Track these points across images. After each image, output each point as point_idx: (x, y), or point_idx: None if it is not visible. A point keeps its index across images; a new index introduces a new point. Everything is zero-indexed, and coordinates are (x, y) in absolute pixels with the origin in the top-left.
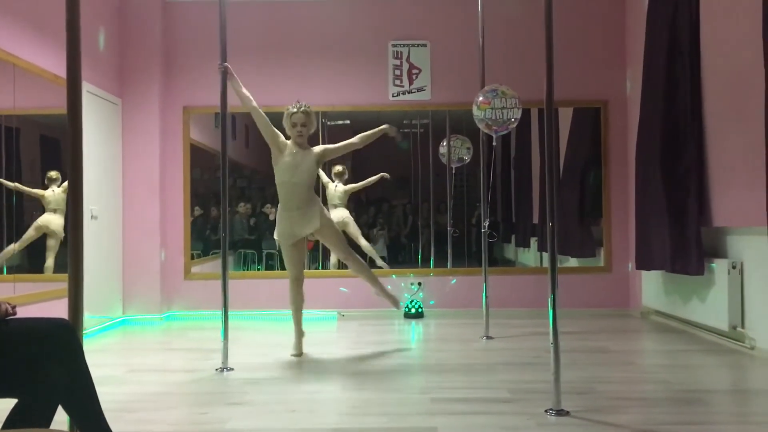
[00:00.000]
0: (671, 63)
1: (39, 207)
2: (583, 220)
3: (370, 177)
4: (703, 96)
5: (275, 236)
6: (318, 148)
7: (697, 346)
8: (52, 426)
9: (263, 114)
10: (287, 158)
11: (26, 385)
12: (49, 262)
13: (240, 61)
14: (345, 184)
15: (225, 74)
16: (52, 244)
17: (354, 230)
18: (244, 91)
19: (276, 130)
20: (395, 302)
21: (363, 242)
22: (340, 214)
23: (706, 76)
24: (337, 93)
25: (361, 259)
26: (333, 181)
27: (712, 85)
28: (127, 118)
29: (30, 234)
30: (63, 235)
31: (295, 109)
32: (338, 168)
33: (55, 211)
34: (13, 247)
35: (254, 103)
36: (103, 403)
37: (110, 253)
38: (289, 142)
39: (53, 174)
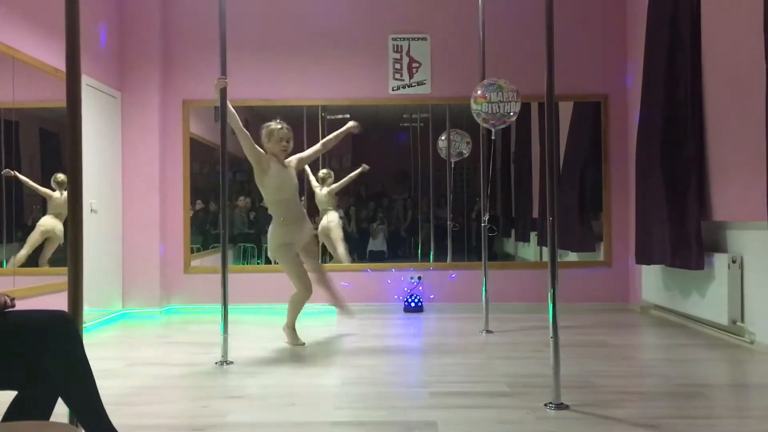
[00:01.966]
0: (672, 57)
1: (39, 201)
2: (583, 215)
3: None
4: (704, 90)
5: (272, 254)
6: (293, 160)
7: (696, 340)
8: (52, 418)
9: (248, 134)
10: (276, 177)
11: (26, 377)
12: (43, 260)
13: (239, 54)
14: (329, 186)
15: (225, 90)
16: (50, 248)
17: (336, 235)
18: (233, 108)
19: (260, 149)
20: (346, 310)
21: (340, 250)
22: (330, 218)
23: (707, 71)
24: (337, 87)
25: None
26: (319, 185)
27: (713, 80)
28: (127, 112)
29: (35, 239)
30: (63, 240)
31: (280, 126)
32: (323, 172)
33: (58, 215)
34: (23, 254)
35: (241, 123)
36: (103, 397)
37: (110, 247)
38: (271, 159)
39: (60, 177)
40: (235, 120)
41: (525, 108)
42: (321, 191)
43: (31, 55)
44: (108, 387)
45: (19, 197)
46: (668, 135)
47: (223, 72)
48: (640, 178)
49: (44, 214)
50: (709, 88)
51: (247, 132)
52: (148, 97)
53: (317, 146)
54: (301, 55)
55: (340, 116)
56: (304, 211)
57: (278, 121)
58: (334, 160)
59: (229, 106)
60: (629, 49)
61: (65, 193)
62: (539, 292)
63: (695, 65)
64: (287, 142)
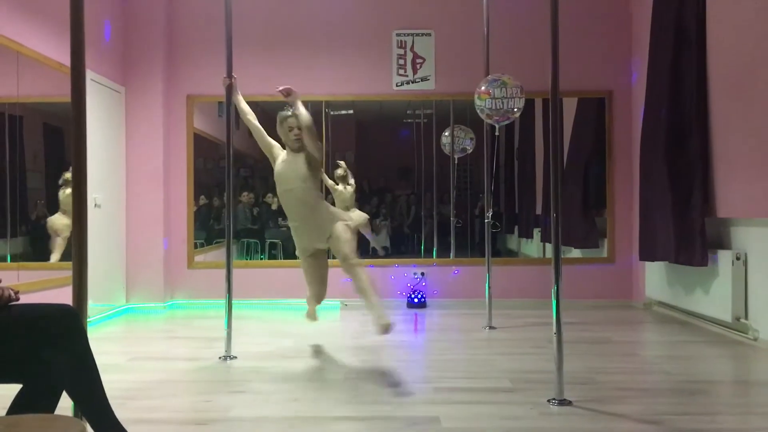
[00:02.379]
0: (677, 53)
1: (44, 197)
2: (586, 211)
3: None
4: (709, 86)
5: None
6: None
7: (700, 337)
8: (56, 412)
9: (260, 127)
10: (278, 167)
11: (30, 370)
12: (55, 256)
13: (243, 50)
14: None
15: (230, 87)
16: (59, 242)
17: (365, 228)
18: (244, 105)
19: (272, 141)
20: (384, 327)
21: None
22: (359, 215)
23: (712, 66)
24: (341, 82)
25: (365, 275)
26: (338, 184)
27: (718, 76)
28: (131, 107)
29: (53, 239)
30: (67, 234)
31: (289, 113)
32: (340, 171)
33: (65, 212)
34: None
35: (250, 117)
36: (107, 391)
37: (113, 242)
38: (282, 151)
39: (69, 175)
40: (246, 118)
41: (529, 104)
42: (346, 189)
43: (36, 49)
44: (111, 381)
45: (23, 192)
46: (673, 131)
47: (228, 67)
48: (644, 175)
49: (55, 209)
50: (714, 84)
51: (259, 126)
52: (152, 92)
53: (307, 129)
54: (305, 50)
55: (343, 112)
56: (316, 210)
57: (288, 107)
58: (338, 156)
59: (243, 104)
60: (634, 45)
61: (68, 191)
62: (542, 289)
63: (700, 61)
64: (298, 129)
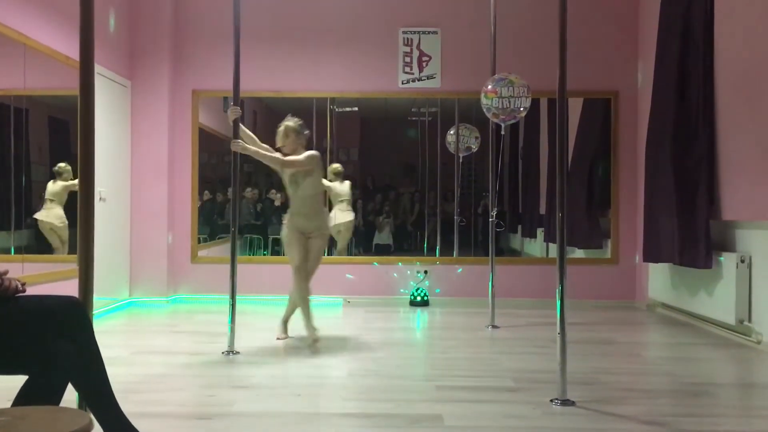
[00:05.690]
0: (684, 54)
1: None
2: (590, 211)
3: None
4: (716, 88)
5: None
6: None
7: (703, 339)
8: (62, 404)
9: (277, 155)
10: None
11: (36, 361)
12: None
13: (250, 46)
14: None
15: (237, 122)
16: (58, 245)
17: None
18: (255, 149)
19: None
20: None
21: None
22: (349, 217)
23: (719, 68)
24: (347, 79)
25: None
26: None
27: (725, 78)
28: (137, 101)
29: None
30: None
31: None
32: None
33: (52, 202)
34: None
35: (266, 153)
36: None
37: (118, 235)
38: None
39: (61, 166)
40: (260, 155)
41: (533, 103)
42: (341, 185)
43: (43, 42)
44: (115, 375)
45: (29, 185)
46: (679, 133)
47: (236, 62)
48: (649, 176)
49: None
50: (720, 85)
51: (274, 155)
52: (157, 87)
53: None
54: (312, 47)
55: (348, 109)
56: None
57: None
58: (341, 152)
59: (245, 144)
60: (641, 46)
61: (59, 182)
62: (545, 288)
63: (707, 63)
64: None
